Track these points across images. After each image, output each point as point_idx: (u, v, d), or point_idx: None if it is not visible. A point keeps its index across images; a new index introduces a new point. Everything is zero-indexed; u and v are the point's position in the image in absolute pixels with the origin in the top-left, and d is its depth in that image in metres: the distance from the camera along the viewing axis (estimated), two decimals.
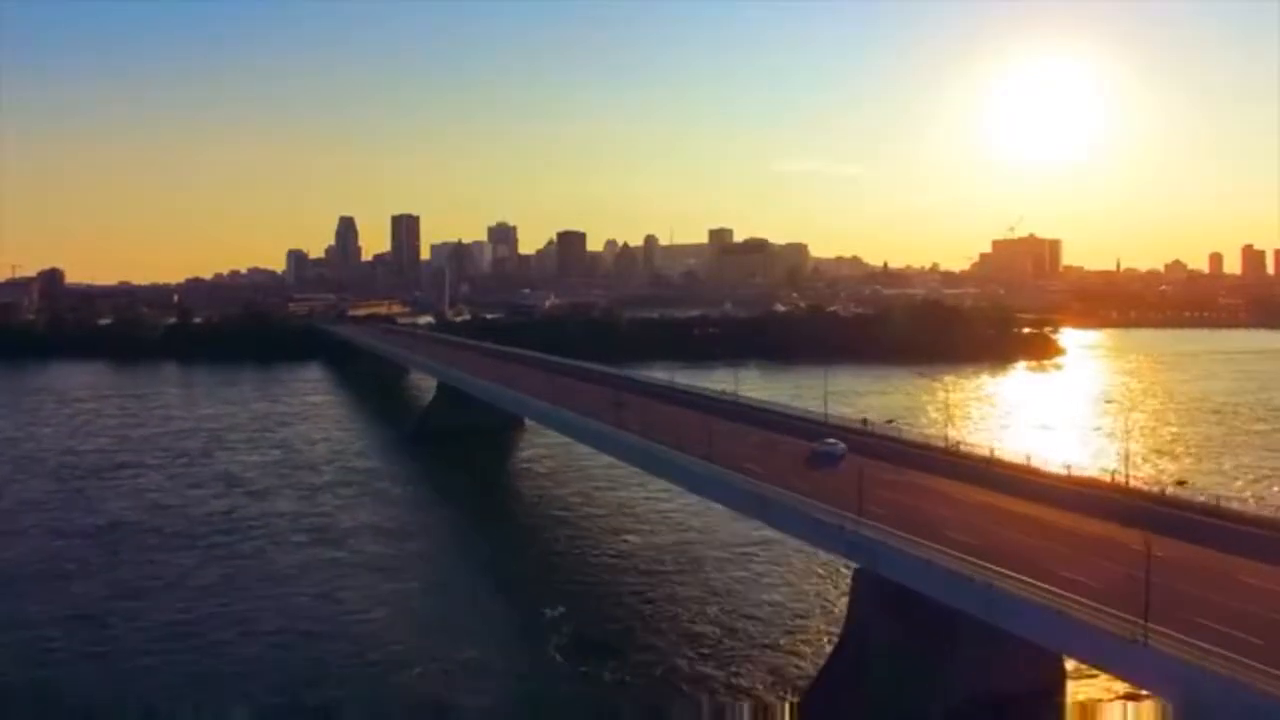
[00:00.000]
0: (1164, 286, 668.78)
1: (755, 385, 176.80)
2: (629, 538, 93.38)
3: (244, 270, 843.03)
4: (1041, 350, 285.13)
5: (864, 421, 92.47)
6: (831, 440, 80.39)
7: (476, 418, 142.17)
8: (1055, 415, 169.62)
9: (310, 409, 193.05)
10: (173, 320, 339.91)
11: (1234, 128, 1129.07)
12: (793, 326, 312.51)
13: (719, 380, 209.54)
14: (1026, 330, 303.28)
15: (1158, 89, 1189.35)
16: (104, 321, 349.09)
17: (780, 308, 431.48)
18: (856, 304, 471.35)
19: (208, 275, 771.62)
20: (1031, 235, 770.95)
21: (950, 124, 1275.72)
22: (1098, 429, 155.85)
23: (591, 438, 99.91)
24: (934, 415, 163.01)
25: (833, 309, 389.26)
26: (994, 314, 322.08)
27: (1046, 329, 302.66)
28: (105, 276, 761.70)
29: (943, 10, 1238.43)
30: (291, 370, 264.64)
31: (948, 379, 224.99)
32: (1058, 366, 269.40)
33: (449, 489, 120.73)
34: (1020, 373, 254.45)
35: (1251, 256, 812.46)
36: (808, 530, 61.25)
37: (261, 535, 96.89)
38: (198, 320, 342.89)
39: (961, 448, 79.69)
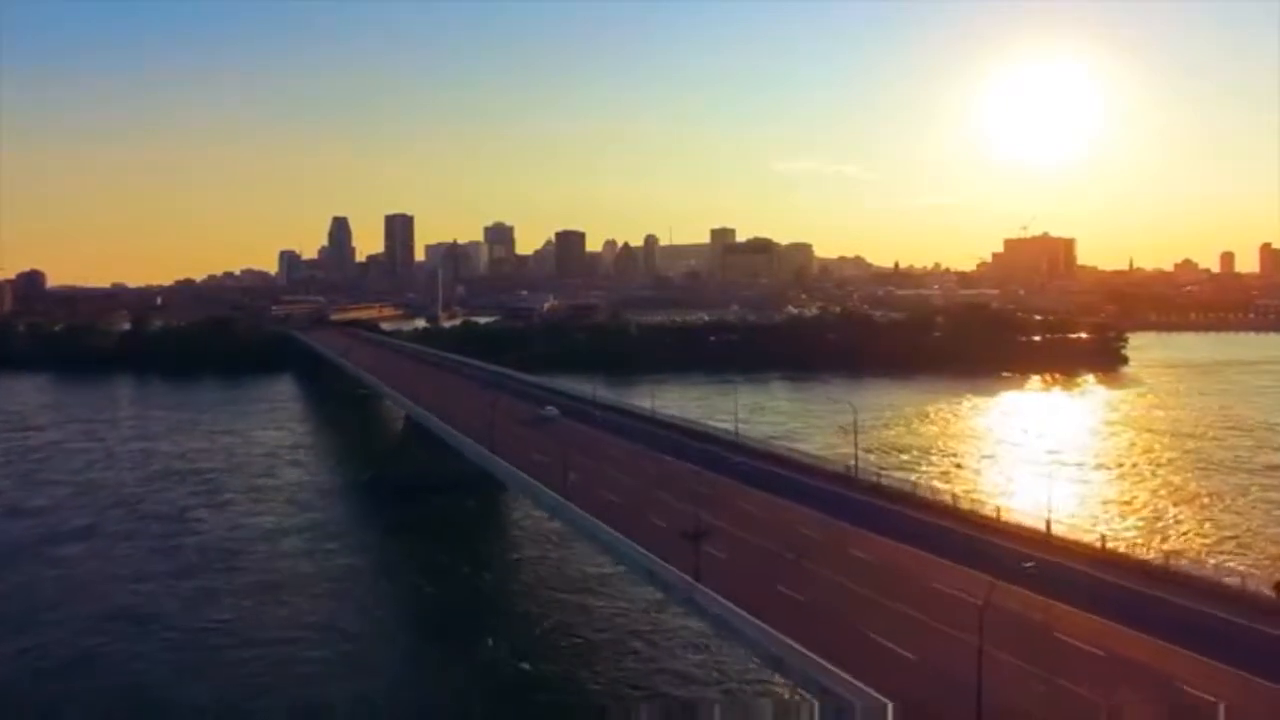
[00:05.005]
0: (1189, 286, 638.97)
1: (826, 415, 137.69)
2: None
3: (237, 272, 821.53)
4: (1104, 361, 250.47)
5: None
6: None
7: (459, 464, 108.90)
8: None
9: (264, 445, 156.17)
10: (127, 327, 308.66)
11: (1236, 127, 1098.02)
12: (820, 333, 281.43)
13: (759, 398, 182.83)
14: (1085, 336, 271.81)
15: (1157, 88, 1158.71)
16: (57, 328, 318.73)
17: (793, 310, 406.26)
18: (870, 305, 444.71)
19: (199, 277, 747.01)
20: (1045, 234, 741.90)
21: (951, 124, 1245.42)
22: None
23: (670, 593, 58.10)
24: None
25: (867, 312, 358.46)
26: (1044, 318, 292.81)
27: (1111, 334, 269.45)
28: (98, 279, 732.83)
29: (943, 10, 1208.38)
30: (256, 385, 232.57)
31: (1079, 402, 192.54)
32: (1141, 382, 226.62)
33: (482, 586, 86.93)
34: (1108, 391, 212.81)
35: (1270, 255, 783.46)
36: None
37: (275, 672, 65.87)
38: (159, 324, 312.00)
39: None
